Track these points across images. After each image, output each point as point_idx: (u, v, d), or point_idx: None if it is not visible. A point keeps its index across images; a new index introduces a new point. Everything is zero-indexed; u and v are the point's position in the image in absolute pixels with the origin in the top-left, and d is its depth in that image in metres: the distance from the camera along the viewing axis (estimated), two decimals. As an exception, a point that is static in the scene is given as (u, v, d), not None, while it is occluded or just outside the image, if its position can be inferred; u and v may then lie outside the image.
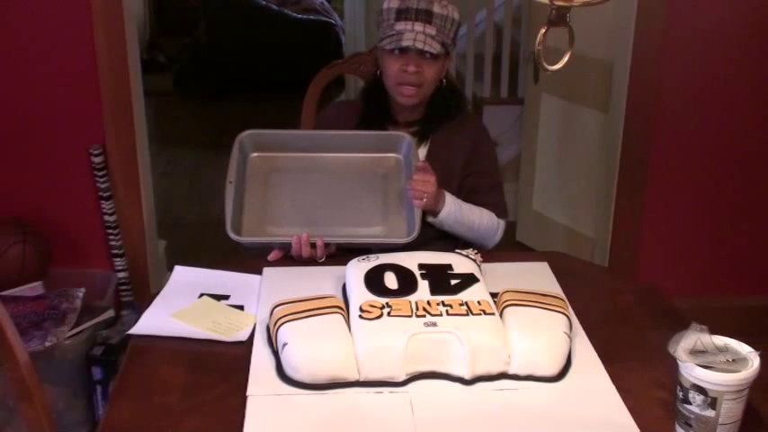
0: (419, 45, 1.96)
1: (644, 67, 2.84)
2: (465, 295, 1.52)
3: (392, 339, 1.40)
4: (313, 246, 1.84)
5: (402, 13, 1.99)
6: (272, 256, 1.88)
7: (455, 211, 1.99)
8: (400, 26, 1.98)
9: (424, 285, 1.55)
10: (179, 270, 1.81)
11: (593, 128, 3.24)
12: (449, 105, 2.12)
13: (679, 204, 3.01)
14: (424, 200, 1.90)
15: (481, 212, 2.06)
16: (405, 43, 1.96)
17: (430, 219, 1.98)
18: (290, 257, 1.88)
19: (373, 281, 1.56)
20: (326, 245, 1.85)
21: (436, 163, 2.03)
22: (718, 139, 2.94)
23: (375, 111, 2.12)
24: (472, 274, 1.60)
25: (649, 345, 1.52)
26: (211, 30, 5.88)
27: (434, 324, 1.43)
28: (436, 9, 1.98)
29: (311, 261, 1.85)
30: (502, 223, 2.11)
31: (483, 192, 2.10)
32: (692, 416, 1.26)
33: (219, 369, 1.48)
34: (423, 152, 2.08)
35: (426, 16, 1.97)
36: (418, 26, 1.97)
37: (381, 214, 1.97)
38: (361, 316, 1.46)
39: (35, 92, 2.75)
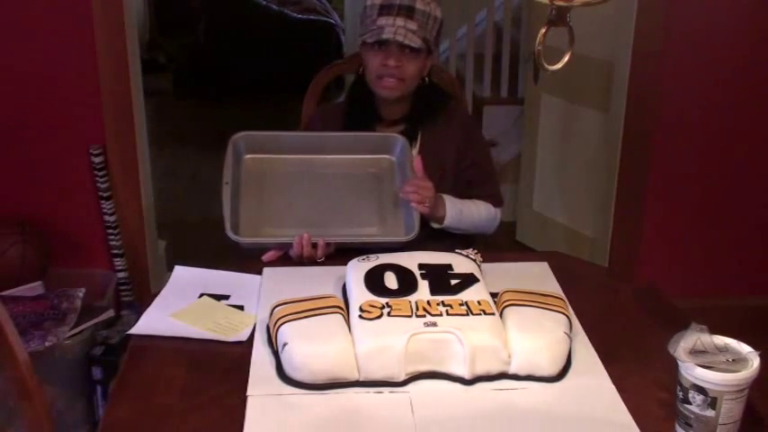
0: (399, 38, 1.97)
1: (644, 67, 2.84)
2: (465, 295, 1.52)
3: (392, 339, 1.40)
4: (314, 246, 1.84)
5: (385, 9, 2.01)
6: (266, 257, 1.88)
7: (457, 215, 2.02)
8: (382, 21, 2.00)
9: (424, 285, 1.55)
10: (179, 270, 1.81)
11: (593, 128, 3.24)
12: (433, 102, 2.13)
13: (679, 204, 3.01)
14: (427, 203, 1.91)
15: (479, 207, 2.08)
16: (385, 36, 1.98)
17: (435, 225, 2.00)
18: (288, 258, 1.88)
19: (373, 281, 1.56)
20: (327, 245, 1.85)
21: (429, 159, 2.04)
22: (718, 138, 2.94)
23: (360, 109, 2.12)
24: (472, 274, 1.60)
25: (649, 345, 1.52)
26: (211, 30, 5.88)
27: (434, 324, 1.43)
28: (419, 5, 2.00)
29: (310, 261, 1.85)
30: (499, 212, 2.15)
31: (479, 183, 2.13)
32: (692, 416, 1.26)
33: (219, 369, 1.48)
34: (414, 150, 2.09)
35: (408, 11, 1.99)
36: (399, 21, 1.99)
37: (377, 215, 1.97)
38: (361, 316, 1.46)
39: (35, 92, 2.75)
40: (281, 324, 1.45)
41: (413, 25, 1.98)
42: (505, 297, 1.55)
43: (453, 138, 2.11)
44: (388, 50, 2.00)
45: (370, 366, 1.40)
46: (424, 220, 1.94)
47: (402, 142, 2.04)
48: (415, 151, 2.08)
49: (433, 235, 1.99)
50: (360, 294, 1.52)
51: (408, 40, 1.97)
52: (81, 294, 2.52)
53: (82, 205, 2.86)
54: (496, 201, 2.14)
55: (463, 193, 2.08)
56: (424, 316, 1.45)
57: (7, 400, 2.10)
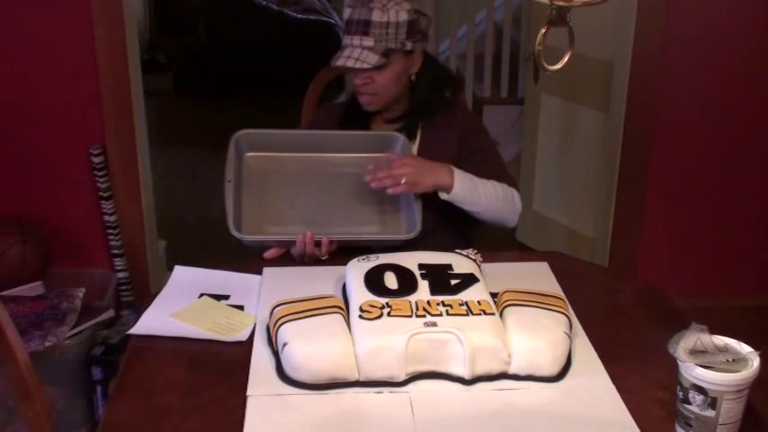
0: (350, 63, 1.97)
1: (644, 67, 2.84)
2: (465, 295, 1.52)
3: (392, 339, 1.40)
4: (317, 244, 1.84)
5: (347, 26, 2.01)
6: (268, 255, 1.88)
7: (467, 183, 1.92)
8: (345, 40, 2.01)
9: (423, 285, 1.55)
10: (179, 270, 1.81)
11: (593, 128, 3.24)
12: (431, 97, 2.11)
13: (679, 204, 3.01)
14: (404, 182, 1.86)
15: (493, 183, 1.98)
16: (339, 63, 1.99)
17: (444, 196, 1.92)
18: (288, 257, 1.88)
19: (373, 281, 1.55)
20: (329, 242, 1.85)
21: (428, 155, 2.03)
22: (718, 139, 2.94)
23: (356, 109, 2.12)
24: (472, 274, 1.60)
25: (649, 345, 1.51)
26: (211, 30, 5.89)
27: (434, 324, 1.43)
28: (375, 17, 1.96)
29: (312, 260, 1.85)
30: (516, 193, 2.03)
31: (486, 169, 2.03)
32: (692, 416, 1.26)
33: (219, 369, 1.48)
34: (414, 149, 2.08)
35: (364, 27, 1.97)
36: (356, 40, 1.98)
37: (378, 213, 1.97)
38: (361, 316, 1.46)
39: (35, 92, 2.75)
40: (282, 324, 1.45)
41: (368, 42, 1.97)
42: (505, 297, 1.55)
43: (453, 135, 2.08)
44: (355, 70, 2.00)
45: (370, 366, 1.40)
46: (426, 218, 1.93)
47: (402, 141, 2.04)
48: (414, 148, 2.08)
49: (435, 231, 1.97)
50: (360, 294, 1.52)
51: (359, 64, 1.96)
52: (81, 294, 2.52)
53: (82, 205, 2.86)
54: (509, 183, 2.03)
55: None
56: (424, 316, 1.45)
57: (7, 400, 2.10)
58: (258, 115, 5.28)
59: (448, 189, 1.91)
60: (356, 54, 1.97)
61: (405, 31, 1.99)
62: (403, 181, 1.86)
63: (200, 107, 5.72)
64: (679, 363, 1.27)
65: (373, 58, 1.96)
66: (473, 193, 1.93)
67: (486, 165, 2.05)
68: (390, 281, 1.56)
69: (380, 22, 1.96)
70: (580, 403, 1.38)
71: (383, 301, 1.49)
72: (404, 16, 1.98)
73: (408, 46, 2.01)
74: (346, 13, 2.03)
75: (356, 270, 1.61)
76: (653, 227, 3.03)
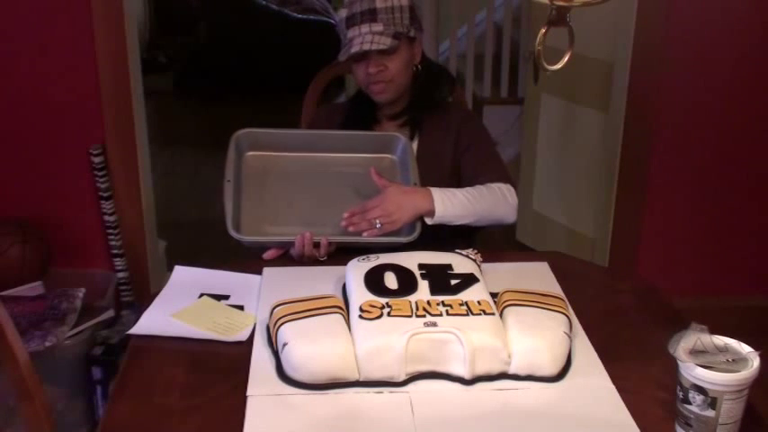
0: (366, 47, 1.98)
1: (644, 67, 2.84)
2: (465, 295, 1.52)
3: (392, 339, 1.40)
4: (316, 245, 1.84)
5: (349, 20, 2.02)
6: (267, 255, 1.88)
7: (448, 199, 1.90)
8: (350, 33, 2.02)
9: (423, 285, 1.55)
10: (179, 270, 1.81)
11: (593, 128, 3.24)
12: (431, 89, 2.13)
13: (679, 204, 3.01)
14: (378, 225, 1.85)
15: (477, 188, 1.96)
16: (353, 50, 1.99)
17: (429, 221, 1.92)
18: (288, 257, 1.88)
19: (373, 281, 1.55)
20: (328, 243, 1.85)
21: (427, 155, 2.04)
22: (718, 139, 2.94)
23: (359, 108, 2.14)
24: (472, 274, 1.60)
25: (649, 345, 1.52)
26: (211, 30, 5.89)
27: (434, 324, 1.43)
28: (379, 4, 2.00)
29: (311, 260, 1.85)
30: (509, 188, 2.00)
31: (481, 165, 2.04)
32: (692, 416, 1.26)
33: (219, 369, 1.48)
34: (414, 145, 2.09)
35: (370, 15, 2.00)
36: (364, 28, 2.00)
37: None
38: (361, 316, 1.46)
39: (35, 92, 2.75)
40: (281, 324, 1.45)
41: (378, 27, 1.99)
42: (505, 297, 1.55)
43: (450, 131, 2.10)
44: (367, 59, 2.02)
45: (370, 366, 1.40)
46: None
47: (403, 142, 2.05)
48: (414, 145, 2.08)
49: (434, 234, 1.98)
50: (360, 294, 1.52)
51: (375, 45, 1.98)
52: (81, 294, 2.52)
53: (82, 205, 2.86)
54: (503, 179, 2.02)
55: (468, 179, 2.02)
56: (424, 316, 1.45)
57: (7, 400, 2.10)
58: (258, 115, 5.26)
59: (430, 214, 1.90)
60: (368, 39, 1.98)
61: (408, 17, 2.03)
62: (378, 225, 1.85)
63: (201, 107, 5.72)
64: (679, 363, 1.27)
65: (387, 41, 1.99)
66: (458, 208, 1.91)
67: (481, 162, 2.06)
68: (390, 281, 1.56)
69: (386, 8, 2.00)
70: (580, 403, 1.38)
71: (383, 301, 1.49)
72: (405, 1, 2.03)
73: (412, 32, 2.05)
74: (344, 12, 2.04)
75: (356, 270, 1.61)
76: (653, 227, 3.03)
